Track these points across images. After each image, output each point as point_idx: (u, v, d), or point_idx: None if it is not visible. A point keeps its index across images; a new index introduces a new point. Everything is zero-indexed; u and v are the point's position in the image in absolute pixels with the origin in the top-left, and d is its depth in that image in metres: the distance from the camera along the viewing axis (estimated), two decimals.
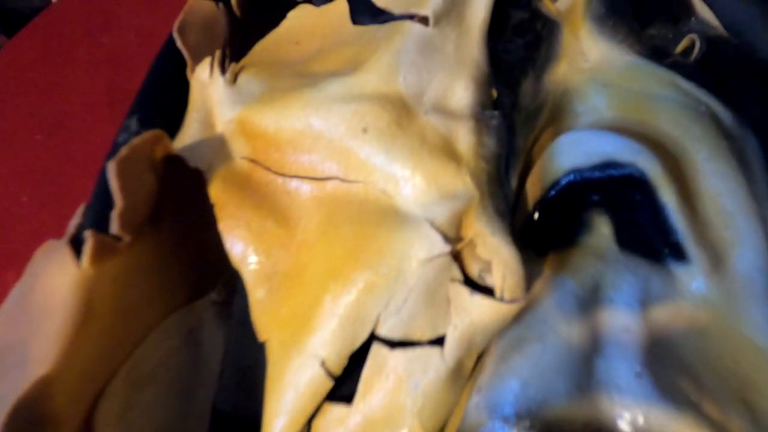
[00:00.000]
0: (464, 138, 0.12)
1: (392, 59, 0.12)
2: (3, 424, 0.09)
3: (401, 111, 0.12)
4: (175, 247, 0.14)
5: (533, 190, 0.14)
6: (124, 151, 0.11)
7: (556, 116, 0.15)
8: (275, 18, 0.17)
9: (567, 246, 0.13)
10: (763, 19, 0.17)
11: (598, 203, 0.13)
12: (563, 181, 0.13)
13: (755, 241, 0.11)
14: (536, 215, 0.14)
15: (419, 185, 0.11)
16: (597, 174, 0.12)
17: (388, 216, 0.11)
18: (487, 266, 0.10)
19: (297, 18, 0.16)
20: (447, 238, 0.10)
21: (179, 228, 0.14)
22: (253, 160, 0.14)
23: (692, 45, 0.16)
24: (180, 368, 0.13)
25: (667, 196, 0.12)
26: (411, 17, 0.13)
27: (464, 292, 0.10)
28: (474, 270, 0.11)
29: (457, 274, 0.11)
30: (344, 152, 0.12)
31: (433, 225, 0.10)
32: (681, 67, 0.15)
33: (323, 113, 0.12)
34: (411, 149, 0.11)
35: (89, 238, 0.11)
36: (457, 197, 0.11)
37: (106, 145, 0.22)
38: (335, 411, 0.11)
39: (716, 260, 0.12)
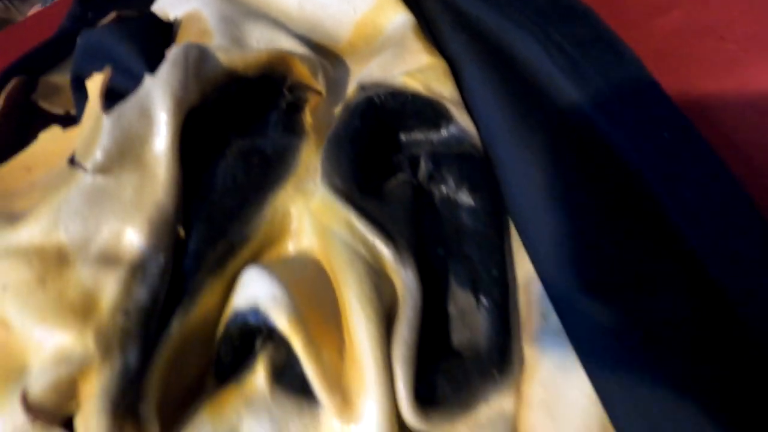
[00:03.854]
0: (110, 290, 0.12)
1: (52, 211, 0.13)
2: None
3: (51, 265, 0.13)
4: None
5: (223, 324, 0.14)
6: None
7: (271, 237, 0.16)
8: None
9: (231, 383, 0.13)
10: (512, 132, 0.18)
11: (261, 345, 0.13)
12: (229, 321, 0.14)
13: (378, 386, 0.12)
14: (221, 351, 0.14)
15: (42, 350, 0.12)
16: (247, 316, 0.13)
17: (16, 372, 0.12)
18: None
19: (42, 141, 0.17)
20: (34, 409, 0.11)
21: None
22: None
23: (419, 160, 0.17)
24: None
25: (298, 347, 0.12)
26: (82, 168, 0.14)
27: None
28: None
29: None
30: None
31: (27, 395, 0.11)
32: (391, 193, 0.16)
33: None
34: (44, 308, 0.12)
35: None
36: (70, 361, 0.11)
37: None
38: None
39: (348, 407, 0.12)
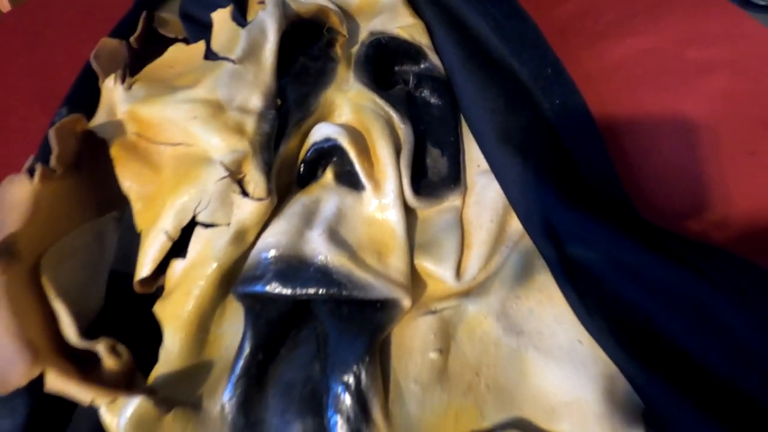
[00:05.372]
0: (250, 124, 0.23)
1: (211, 81, 0.23)
2: None
3: (216, 108, 0.23)
4: (88, 182, 0.23)
5: (303, 154, 0.25)
6: (58, 123, 0.21)
7: (324, 115, 0.27)
8: (161, 50, 0.28)
9: (310, 183, 0.24)
10: (463, 66, 0.29)
11: (328, 162, 0.24)
12: (309, 150, 0.24)
13: (393, 179, 0.23)
14: (302, 168, 0.25)
15: (218, 146, 0.22)
16: (322, 144, 0.24)
17: (204, 161, 0.22)
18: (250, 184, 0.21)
19: (173, 51, 0.26)
20: (229, 171, 0.21)
21: (92, 171, 0.23)
22: (138, 134, 0.24)
23: (409, 80, 0.29)
24: (90, 252, 0.23)
25: (353, 156, 0.23)
26: (227, 59, 0.24)
27: (239, 197, 0.21)
28: (249, 188, 0.22)
29: (237, 188, 0.21)
30: (185, 130, 0.22)
31: (222, 164, 0.21)
32: (404, 96, 0.27)
33: (173, 108, 0.22)
34: (218, 128, 0.22)
35: (39, 168, 0.20)
36: (238, 151, 0.22)
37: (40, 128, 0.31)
38: (177, 262, 0.22)
39: (378, 188, 0.23)
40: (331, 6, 0.30)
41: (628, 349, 0.20)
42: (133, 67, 0.26)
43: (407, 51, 0.30)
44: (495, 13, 0.32)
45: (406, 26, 0.31)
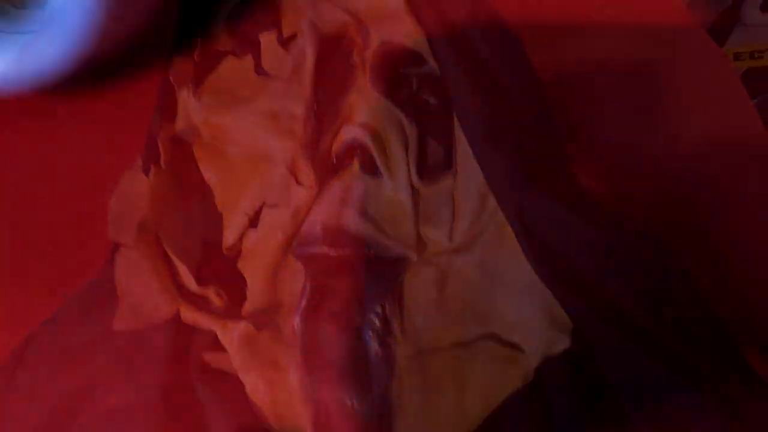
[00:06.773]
0: (298, 129, 0.31)
1: (268, 96, 0.30)
2: None
3: (272, 118, 0.30)
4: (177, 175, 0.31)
5: (335, 149, 0.33)
6: (163, 133, 0.29)
7: (348, 118, 0.34)
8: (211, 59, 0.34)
9: (339, 171, 0.33)
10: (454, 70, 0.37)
11: (353, 155, 0.32)
12: (340, 147, 0.32)
13: (404, 168, 0.32)
14: (334, 160, 0.33)
15: (277, 146, 0.30)
16: (350, 143, 0.32)
17: (268, 158, 0.30)
18: None
19: (226, 65, 0.33)
20: (287, 166, 0.29)
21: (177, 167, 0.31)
22: (213, 137, 0.32)
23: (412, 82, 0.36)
24: (184, 227, 0.32)
25: (373, 151, 0.31)
26: (277, 77, 0.31)
27: (294, 185, 0.30)
28: (302, 179, 0.30)
29: (293, 179, 0.30)
30: (250, 134, 0.30)
31: (283, 161, 0.29)
32: (408, 99, 0.35)
33: (239, 118, 0.30)
34: (275, 133, 0.30)
35: (153, 168, 0.28)
36: (291, 151, 0.30)
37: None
38: (251, 231, 0.30)
39: (392, 176, 0.32)
40: (349, 19, 0.37)
41: (563, 286, 0.30)
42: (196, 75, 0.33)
43: (411, 57, 0.37)
44: None
45: (410, 34, 0.38)
